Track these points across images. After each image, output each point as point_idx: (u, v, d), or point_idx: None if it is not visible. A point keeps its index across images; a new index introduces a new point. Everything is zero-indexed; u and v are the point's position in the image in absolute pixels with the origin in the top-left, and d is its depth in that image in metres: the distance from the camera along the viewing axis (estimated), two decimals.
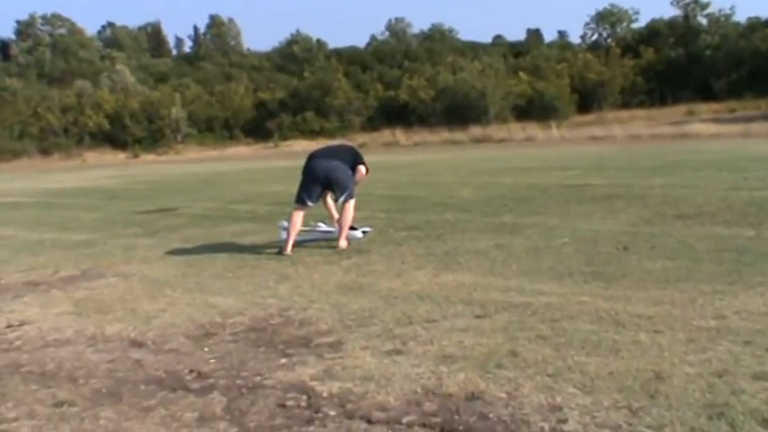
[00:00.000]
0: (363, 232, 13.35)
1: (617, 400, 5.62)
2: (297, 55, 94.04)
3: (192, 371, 6.98)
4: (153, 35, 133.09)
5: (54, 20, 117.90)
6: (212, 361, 7.21)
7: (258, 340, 7.78)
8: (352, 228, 13.32)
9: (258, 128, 72.18)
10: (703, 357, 6.32)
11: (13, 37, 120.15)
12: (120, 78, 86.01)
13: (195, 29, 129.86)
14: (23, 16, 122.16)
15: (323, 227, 13.65)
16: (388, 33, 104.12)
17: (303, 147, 61.63)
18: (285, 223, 13.39)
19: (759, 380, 5.79)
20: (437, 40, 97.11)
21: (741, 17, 76.52)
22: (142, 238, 15.35)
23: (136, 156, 66.35)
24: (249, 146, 69.61)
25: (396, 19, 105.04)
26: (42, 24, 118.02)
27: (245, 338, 7.88)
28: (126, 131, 71.22)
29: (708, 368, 6.08)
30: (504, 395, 5.89)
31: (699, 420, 5.19)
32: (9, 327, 9.07)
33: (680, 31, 76.00)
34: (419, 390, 6.12)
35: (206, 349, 7.59)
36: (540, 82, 69.12)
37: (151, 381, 6.83)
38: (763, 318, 7.30)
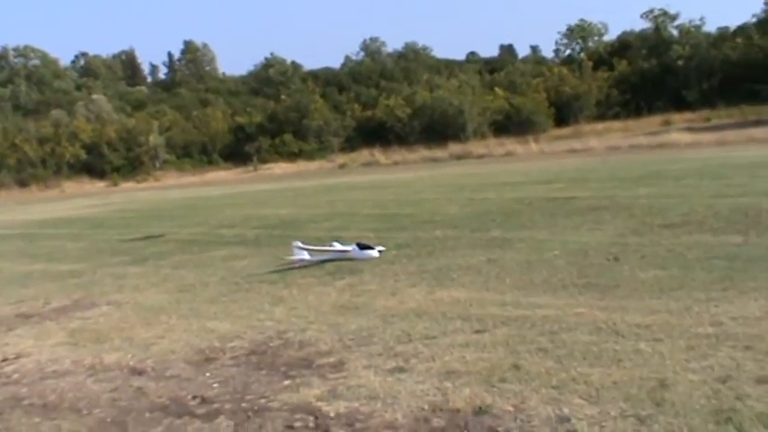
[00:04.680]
0: (379, 251, 13.32)
1: (624, 409, 5.67)
2: (272, 78, 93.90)
3: (195, 396, 6.98)
4: (127, 63, 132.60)
5: (27, 51, 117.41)
6: (215, 386, 7.22)
7: (259, 363, 7.80)
8: (367, 247, 13.25)
9: (237, 152, 72.18)
10: (705, 364, 6.39)
11: None
12: (97, 107, 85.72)
13: (170, 55, 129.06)
14: None
15: (338, 246, 13.60)
16: (362, 53, 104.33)
17: (283, 169, 61.77)
18: (299, 243, 13.57)
19: (763, 384, 5.86)
20: (412, 58, 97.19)
21: (711, 27, 77.16)
22: (131, 266, 15.32)
23: (115, 184, 66.21)
24: (228, 170, 69.57)
25: (370, 39, 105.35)
26: (15, 56, 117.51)
27: (246, 362, 7.89)
28: (104, 160, 71.08)
29: (711, 374, 6.15)
30: (511, 408, 5.93)
31: (707, 426, 5.25)
32: (5, 360, 9.05)
33: (651, 42, 76.42)
34: (426, 406, 6.15)
35: (208, 374, 7.60)
36: (517, 97, 69.54)
37: (155, 408, 6.83)
38: (759, 322, 7.39)
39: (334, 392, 6.66)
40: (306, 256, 13.44)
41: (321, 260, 13.27)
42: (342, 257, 13.27)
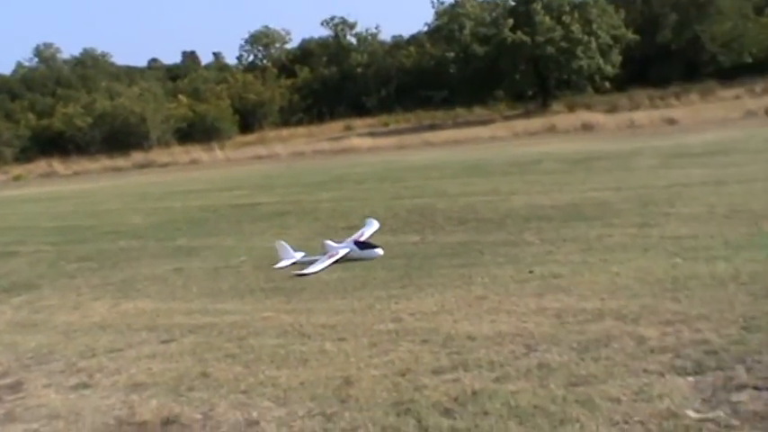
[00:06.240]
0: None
1: (311, 408, 5.80)
2: None
3: None
4: None
5: None
6: None
7: None
8: (370, 246, 11.41)
9: None
10: (386, 359, 6.66)
11: None
12: None
13: None
14: None
15: (332, 244, 11.55)
16: (36, 59, 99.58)
17: None
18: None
19: (438, 374, 6.20)
20: (90, 65, 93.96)
21: (386, 36, 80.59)
22: None
23: None
24: None
25: (44, 44, 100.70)
26: None
27: None
28: None
29: (392, 368, 6.42)
30: (199, 416, 5.90)
31: (388, 418, 5.47)
32: None
33: (332, 50, 78.78)
34: (112, 421, 5.99)
35: None
36: (201, 104, 69.02)
37: None
38: (435, 317, 7.80)
39: (10, 415, 6.33)
40: (298, 257, 11.60)
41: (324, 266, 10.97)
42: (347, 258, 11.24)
